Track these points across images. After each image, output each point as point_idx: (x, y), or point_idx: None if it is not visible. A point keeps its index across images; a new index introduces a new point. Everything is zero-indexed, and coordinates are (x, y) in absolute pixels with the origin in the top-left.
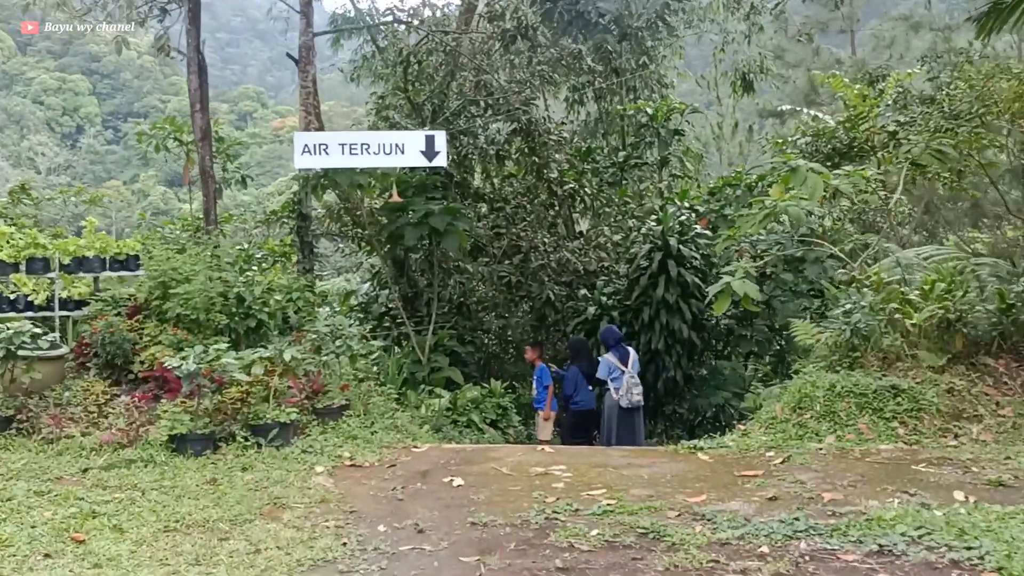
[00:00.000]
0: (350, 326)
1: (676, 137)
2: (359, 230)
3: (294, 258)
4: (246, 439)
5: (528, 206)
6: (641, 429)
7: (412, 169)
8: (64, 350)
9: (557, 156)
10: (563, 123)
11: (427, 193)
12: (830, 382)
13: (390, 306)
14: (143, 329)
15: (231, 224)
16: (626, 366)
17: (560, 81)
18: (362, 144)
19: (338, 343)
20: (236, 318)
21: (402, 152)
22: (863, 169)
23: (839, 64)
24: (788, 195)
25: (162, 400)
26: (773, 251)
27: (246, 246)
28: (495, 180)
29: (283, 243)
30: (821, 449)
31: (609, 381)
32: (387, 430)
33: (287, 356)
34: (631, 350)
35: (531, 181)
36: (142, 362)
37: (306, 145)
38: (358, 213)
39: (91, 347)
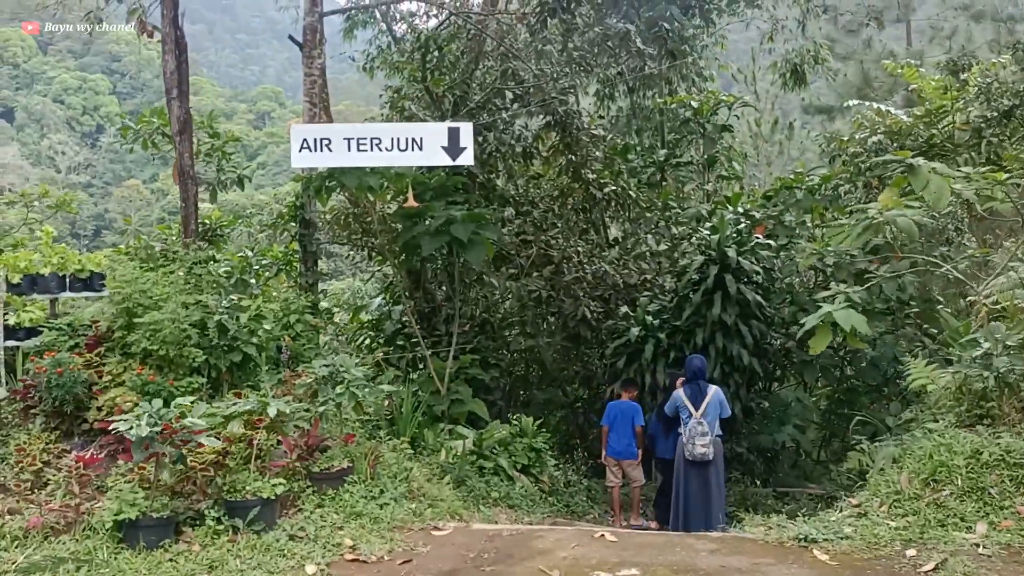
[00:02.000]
0: (357, 364)
1: (723, 134)
2: (369, 239)
3: (298, 268)
4: (218, 520)
5: (557, 210)
6: (715, 493)
7: (430, 169)
8: (1, 393)
9: (597, 153)
10: (600, 116)
11: (447, 196)
12: (972, 446)
13: (404, 323)
14: (103, 366)
15: (234, 227)
16: (697, 408)
17: (596, 70)
18: (372, 139)
19: (339, 389)
20: (217, 352)
21: (420, 148)
22: (993, 171)
23: (893, 56)
24: (895, 200)
25: (120, 462)
26: (844, 264)
27: (250, 253)
28: (519, 181)
29: (288, 249)
30: (978, 544)
31: (680, 424)
32: (400, 500)
33: (272, 411)
34: (714, 389)
35: (564, 182)
36: (100, 408)
37: (305, 140)
38: (368, 219)
39: (36, 389)
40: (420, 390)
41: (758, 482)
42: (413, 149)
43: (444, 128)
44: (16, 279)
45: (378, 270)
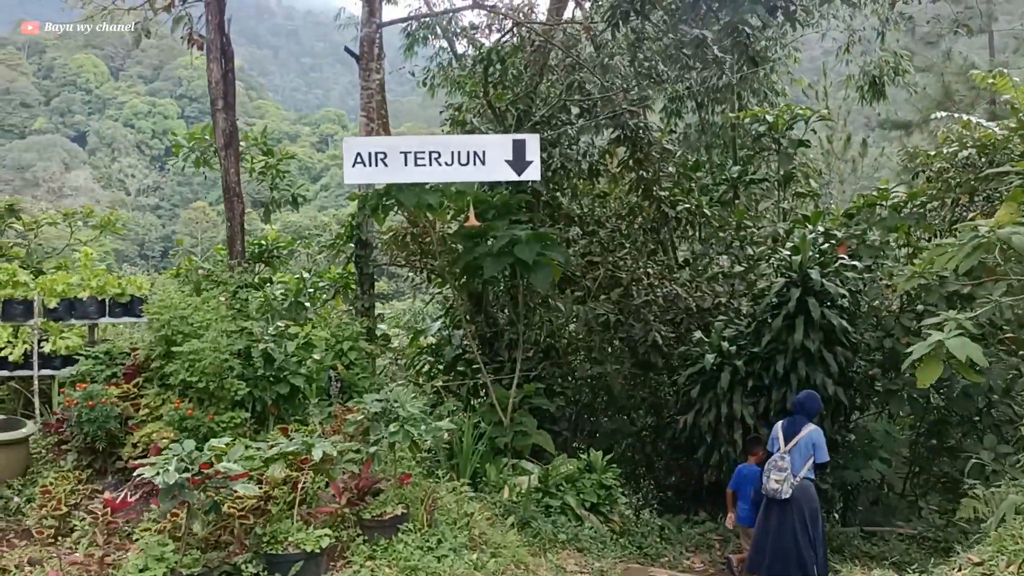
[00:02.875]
0: (413, 397)
1: (800, 149)
2: (429, 260)
3: (355, 291)
4: None
5: (625, 230)
6: (802, 541)
7: (493, 186)
8: (28, 430)
9: (670, 169)
10: (671, 131)
11: (511, 215)
12: None
13: (465, 348)
14: (141, 398)
15: (292, 249)
16: (787, 443)
17: (667, 83)
18: (431, 152)
19: (392, 428)
20: (262, 384)
21: (482, 162)
22: None
23: (975, 68)
24: (1011, 216)
25: (153, 506)
26: (934, 286)
27: (307, 275)
28: (584, 200)
29: (345, 271)
30: None
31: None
32: (460, 551)
33: (317, 454)
34: (810, 428)
35: (633, 200)
36: (135, 445)
37: (359, 154)
38: (427, 240)
39: (68, 423)
40: (482, 420)
41: (838, 518)
42: (475, 163)
43: (508, 141)
44: (53, 303)
45: (438, 292)
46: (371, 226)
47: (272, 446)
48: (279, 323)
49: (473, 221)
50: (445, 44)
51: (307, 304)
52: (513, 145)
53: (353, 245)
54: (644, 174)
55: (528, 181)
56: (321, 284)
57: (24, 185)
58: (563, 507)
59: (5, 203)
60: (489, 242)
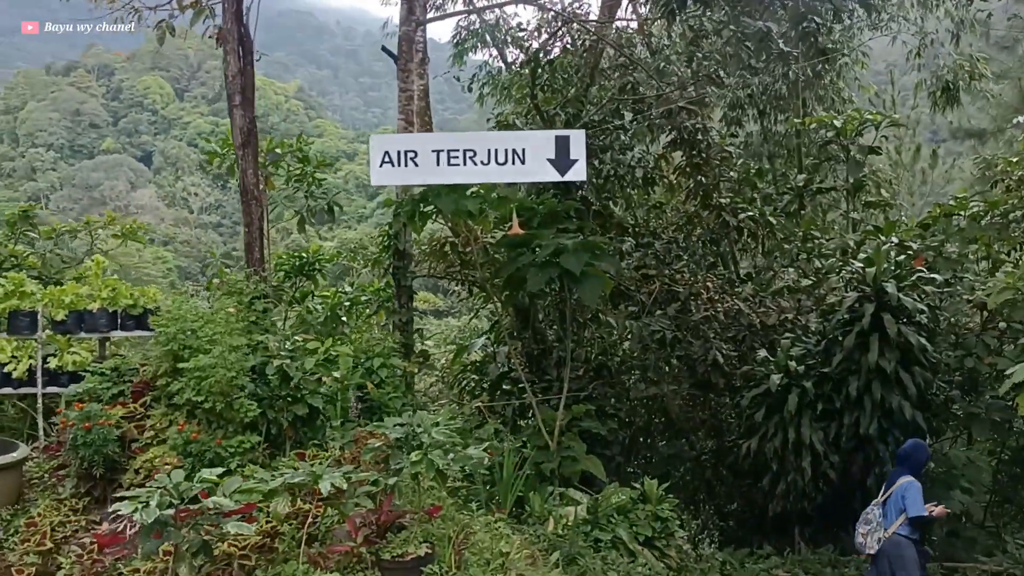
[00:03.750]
0: (437, 423)
1: (870, 157)
2: (470, 271)
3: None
4: None
5: (683, 241)
6: None
7: (539, 192)
8: (20, 453)
9: (732, 174)
10: (732, 134)
11: (558, 224)
12: None
13: (511, 367)
14: (145, 420)
15: (335, 262)
16: (881, 495)
17: (727, 85)
18: (465, 151)
19: (414, 456)
20: (278, 404)
21: (522, 161)
22: None
23: None
24: None
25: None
26: (1021, 303)
27: (349, 289)
28: (639, 212)
29: (386, 284)
30: None
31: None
32: None
33: (324, 487)
34: (903, 481)
35: (691, 208)
36: (137, 471)
37: (386, 153)
38: (467, 250)
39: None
40: (527, 444)
41: None
42: (514, 162)
43: (551, 137)
44: (60, 315)
45: (482, 307)
46: (409, 235)
47: (277, 476)
48: (297, 337)
49: (517, 229)
50: (495, 52)
51: (343, 319)
52: (556, 142)
53: (390, 256)
54: (703, 179)
55: (577, 187)
56: (364, 298)
57: (92, 203)
58: (614, 541)
59: (19, 209)
60: (533, 251)
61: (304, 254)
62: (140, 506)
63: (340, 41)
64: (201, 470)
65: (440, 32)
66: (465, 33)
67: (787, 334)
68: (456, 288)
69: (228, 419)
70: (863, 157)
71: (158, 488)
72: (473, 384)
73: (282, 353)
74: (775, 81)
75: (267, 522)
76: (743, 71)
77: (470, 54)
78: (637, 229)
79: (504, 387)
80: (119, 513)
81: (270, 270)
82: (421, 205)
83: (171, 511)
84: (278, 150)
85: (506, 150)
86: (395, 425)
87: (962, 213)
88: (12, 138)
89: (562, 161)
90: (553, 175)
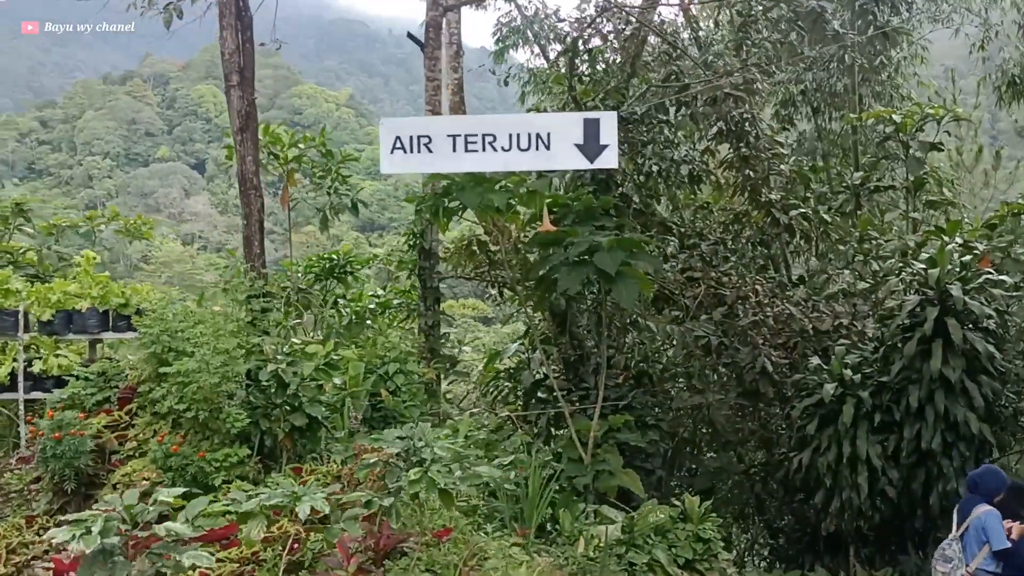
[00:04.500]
0: (439, 437)
1: (931, 153)
2: (499, 272)
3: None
4: None
5: (731, 242)
6: None
7: (576, 187)
8: None
9: (782, 167)
10: (784, 128)
11: (594, 221)
12: None
13: (547, 373)
14: (130, 429)
15: (369, 265)
16: (958, 528)
17: (777, 73)
18: (484, 136)
19: (412, 474)
20: (273, 414)
21: (547, 147)
22: None
23: None
24: None
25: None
26: None
27: (381, 292)
28: (685, 213)
29: (413, 287)
30: None
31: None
32: None
33: (303, 510)
34: (980, 511)
35: (739, 206)
36: (115, 486)
37: (398, 139)
38: (495, 248)
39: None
40: (561, 456)
41: None
42: (538, 148)
43: (579, 120)
44: (47, 315)
45: (518, 311)
46: (435, 234)
47: (251, 496)
48: (294, 340)
49: (547, 226)
50: (536, 49)
51: (369, 322)
52: (584, 125)
53: (416, 255)
54: (751, 174)
55: (618, 184)
56: (396, 301)
57: (147, 210)
58: (651, 564)
59: (12, 201)
60: (565, 249)
61: (335, 256)
62: (79, 533)
63: (391, 50)
64: (180, 486)
65: (474, 36)
66: (506, 30)
67: (842, 340)
68: (492, 292)
69: (214, 429)
70: (924, 154)
71: (103, 512)
72: (506, 392)
73: (279, 357)
74: (830, 76)
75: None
76: (795, 61)
77: (511, 52)
78: (683, 230)
79: (539, 395)
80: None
81: (295, 270)
82: (445, 200)
83: (118, 539)
84: (300, 145)
85: (529, 135)
86: (396, 438)
87: None
88: (70, 146)
89: (591, 146)
90: (581, 162)
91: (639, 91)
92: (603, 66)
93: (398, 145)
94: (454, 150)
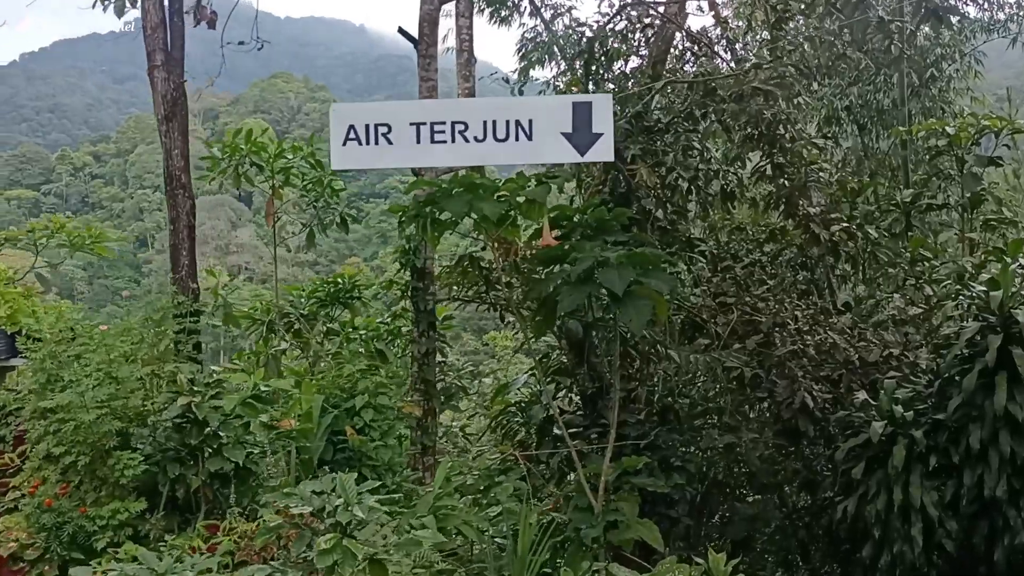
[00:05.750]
0: (364, 493)
1: (989, 168)
2: (498, 294)
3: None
4: None
5: (767, 263)
6: None
7: (607, 201)
8: None
9: (821, 174)
10: (826, 136)
11: (607, 236)
12: None
13: (564, 409)
14: (10, 477)
15: (373, 288)
16: None
17: (813, 74)
18: (454, 123)
19: (326, 542)
20: (181, 459)
21: (528, 136)
22: None
23: None
24: None
25: None
26: None
27: (387, 319)
28: (720, 234)
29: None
30: None
31: None
32: None
33: None
34: None
35: (776, 222)
36: None
37: (352, 128)
38: (491, 266)
39: None
40: (571, 504)
41: None
42: (518, 138)
43: (566, 104)
44: None
45: (531, 339)
46: (428, 250)
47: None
48: (213, 368)
49: (549, 239)
50: (563, 65)
51: (361, 351)
52: (573, 110)
53: (409, 275)
54: (785, 183)
55: (637, 197)
56: (406, 328)
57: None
58: None
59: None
60: (569, 266)
61: (340, 279)
62: None
63: (441, 84)
64: (56, 549)
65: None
66: (531, 46)
67: (892, 373)
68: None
69: (101, 478)
70: (981, 169)
71: None
72: (516, 428)
73: (196, 389)
74: (876, 91)
75: None
76: (835, 62)
77: (536, 68)
78: (715, 251)
79: (555, 431)
80: None
81: (297, 295)
82: (428, 208)
83: None
84: (288, 155)
85: (508, 122)
86: (311, 492)
87: None
88: (122, 180)
89: (582, 136)
90: (569, 154)
91: (668, 102)
92: (622, 68)
93: (352, 136)
94: (418, 141)
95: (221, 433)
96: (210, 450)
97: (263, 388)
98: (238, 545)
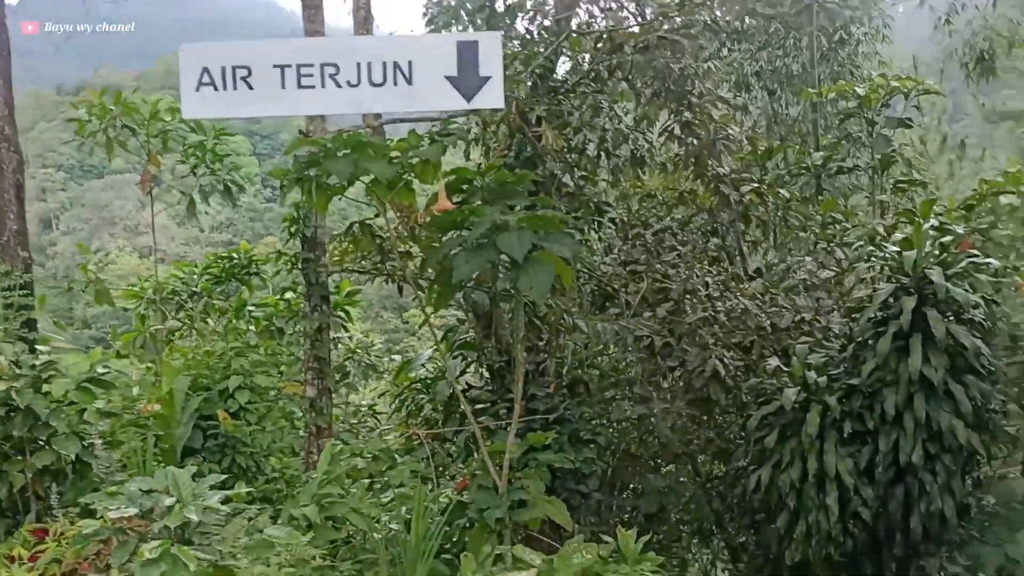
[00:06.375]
0: (206, 489)
1: (899, 131)
2: (393, 264)
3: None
4: None
5: (677, 230)
6: None
7: (513, 166)
8: None
9: (730, 130)
10: (736, 96)
11: (508, 200)
12: None
13: (468, 384)
14: None
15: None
16: None
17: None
18: (323, 66)
19: (153, 549)
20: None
21: (407, 80)
22: None
23: None
24: None
25: None
26: None
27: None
28: (631, 203)
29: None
30: None
31: None
32: None
33: None
34: None
35: (683, 182)
36: None
37: (206, 70)
38: (382, 234)
39: None
40: (475, 484)
41: None
42: (396, 82)
43: (450, 43)
44: None
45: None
46: (319, 218)
47: None
48: (40, 348)
49: (445, 203)
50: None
51: (252, 329)
52: (458, 51)
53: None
54: (695, 141)
55: (543, 161)
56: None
57: (102, 223)
58: None
59: None
60: (466, 232)
61: (235, 254)
62: None
63: None
64: None
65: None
66: (436, 10)
67: (804, 338)
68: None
69: None
70: (891, 130)
71: None
72: (422, 406)
73: (21, 373)
74: (785, 55)
75: None
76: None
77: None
78: (625, 218)
79: (461, 409)
80: None
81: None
82: (310, 170)
83: None
84: (166, 117)
85: (384, 64)
86: (138, 488)
87: (1014, 191)
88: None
89: (468, 80)
90: (454, 100)
91: (572, 56)
92: (527, 26)
93: (206, 80)
94: (283, 86)
95: (53, 423)
96: (41, 442)
97: (102, 371)
98: (62, 551)
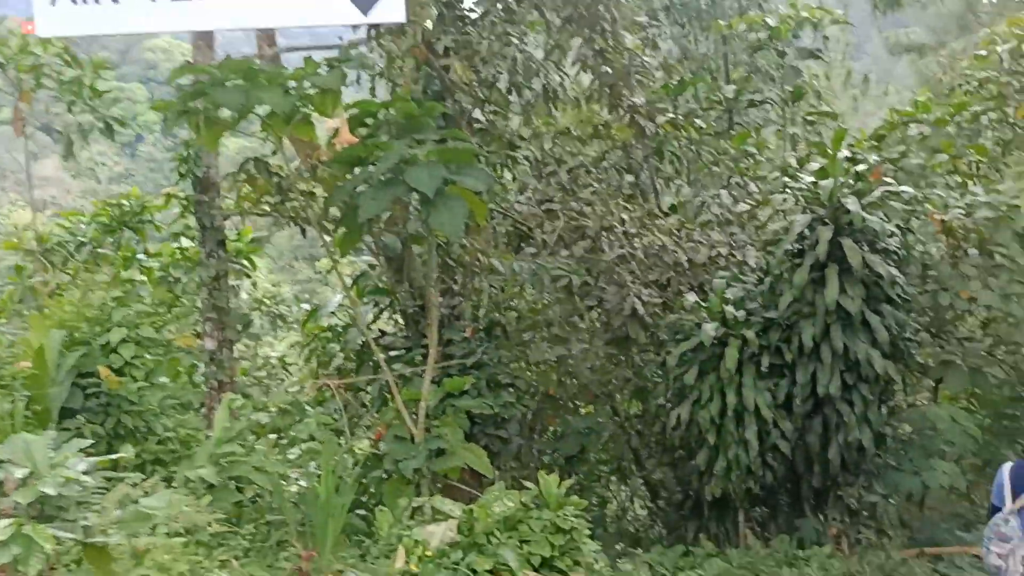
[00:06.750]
0: (70, 456)
1: (808, 63)
2: (290, 203)
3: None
4: None
5: (592, 167)
6: None
7: (426, 96)
8: None
9: (645, 58)
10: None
11: (416, 134)
12: None
13: (382, 331)
14: None
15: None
16: (1016, 498)
17: None
18: None
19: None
20: None
21: None
22: None
23: None
24: None
25: None
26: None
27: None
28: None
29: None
30: None
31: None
32: None
33: None
34: None
35: (597, 114)
36: None
37: None
38: (279, 172)
39: None
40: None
41: (889, 537)
42: None
43: None
44: None
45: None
46: (211, 157)
47: None
48: None
49: (347, 137)
50: None
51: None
52: None
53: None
54: (608, 71)
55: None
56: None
57: None
58: (496, 570)
59: None
60: (371, 168)
61: (126, 200)
62: None
63: None
64: None
65: None
66: None
67: (721, 273)
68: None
69: None
70: (802, 61)
71: None
72: (332, 356)
73: None
74: None
75: None
76: None
77: None
78: (540, 157)
79: (373, 360)
80: None
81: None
82: (195, 101)
83: None
84: (37, 51)
85: None
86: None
87: (925, 117)
88: None
89: None
90: (350, 14)
91: None
92: None
93: None
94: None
95: None
96: None
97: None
98: None
